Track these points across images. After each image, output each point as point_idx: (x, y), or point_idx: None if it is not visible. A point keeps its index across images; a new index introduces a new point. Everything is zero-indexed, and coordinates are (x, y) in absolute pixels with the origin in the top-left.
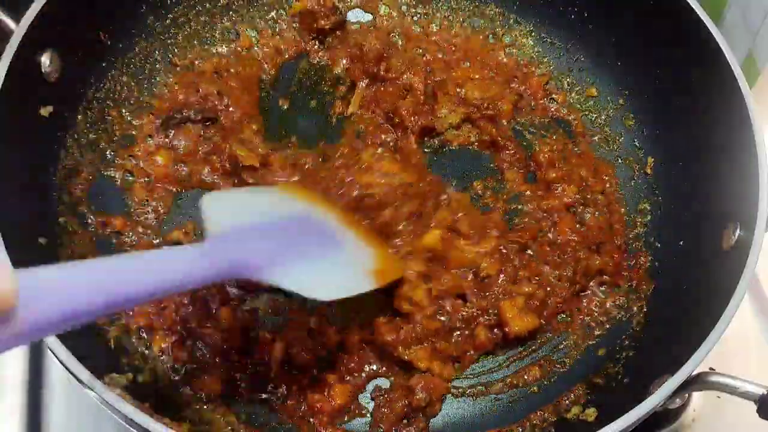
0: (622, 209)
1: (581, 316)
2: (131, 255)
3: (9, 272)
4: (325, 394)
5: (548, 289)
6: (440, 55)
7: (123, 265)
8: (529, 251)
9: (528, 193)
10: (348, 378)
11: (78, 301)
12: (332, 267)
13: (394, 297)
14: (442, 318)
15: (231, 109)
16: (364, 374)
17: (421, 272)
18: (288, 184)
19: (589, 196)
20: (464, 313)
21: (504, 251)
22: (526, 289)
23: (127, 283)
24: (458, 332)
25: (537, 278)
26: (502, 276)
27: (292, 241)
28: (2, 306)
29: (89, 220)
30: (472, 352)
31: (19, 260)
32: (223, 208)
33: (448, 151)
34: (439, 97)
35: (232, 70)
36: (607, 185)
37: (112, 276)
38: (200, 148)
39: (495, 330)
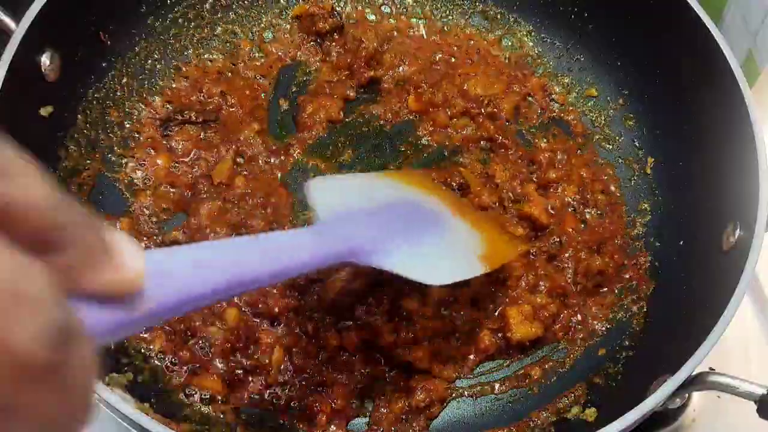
0: (623, 209)
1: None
2: (246, 238)
3: (136, 250)
4: (325, 395)
5: (563, 301)
6: (440, 55)
7: (240, 247)
8: (557, 262)
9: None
10: (348, 379)
11: (201, 283)
12: (442, 251)
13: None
14: (444, 317)
15: (233, 109)
16: (364, 374)
17: None
18: (397, 172)
19: (589, 196)
20: (467, 316)
21: (531, 258)
22: (539, 300)
23: (245, 265)
24: (459, 335)
25: (558, 292)
26: (522, 283)
27: (401, 225)
28: (129, 289)
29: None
30: (473, 356)
31: None
32: (331, 193)
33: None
34: (443, 87)
35: (234, 71)
36: (609, 185)
37: (231, 258)
38: (201, 149)
39: (499, 335)
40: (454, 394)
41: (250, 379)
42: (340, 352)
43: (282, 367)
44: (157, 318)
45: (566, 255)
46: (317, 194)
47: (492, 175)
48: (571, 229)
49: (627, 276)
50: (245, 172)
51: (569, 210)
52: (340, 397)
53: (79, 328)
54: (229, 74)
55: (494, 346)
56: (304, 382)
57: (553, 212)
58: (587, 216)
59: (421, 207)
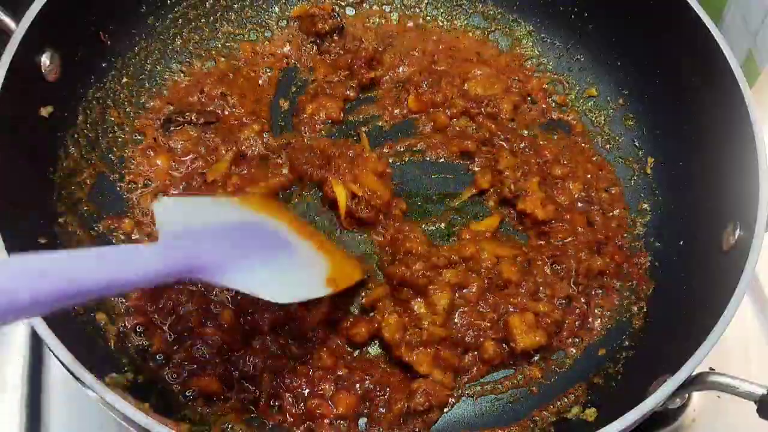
0: (623, 209)
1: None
2: (90, 250)
3: None
4: (326, 399)
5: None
6: (440, 55)
7: (83, 258)
8: (558, 267)
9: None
10: (349, 383)
11: (45, 287)
12: (287, 271)
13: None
14: (451, 326)
15: (233, 110)
16: (365, 377)
17: (455, 282)
18: (246, 196)
19: (594, 194)
20: (473, 325)
21: (528, 264)
22: (541, 308)
23: (87, 275)
24: (465, 347)
25: (559, 299)
26: (522, 289)
27: (247, 244)
28: None
29: (95, 224)
30: (478, 367)
31: None
32: (177, 212)
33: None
34: (443, 87)
35: (234, 72)
36: (611, 184)
37: (72, 268)
38: (201, 148)
39: (503, 345)
40: (454, 399)
41: (249, 380)
42: (336, 366)
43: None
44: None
45: (567, 254)
46: (162, 213)
47: (496, 162)
48: (580, 228)
49: (627, 276)
50: (244, 172)
51: (578, 206)
52: (341, 405)
53: None
54: (230, 75)
55: (499, 357)
56: (303, 389)
57: (561, 211)
58: (594, 216)
59: (268, 229)
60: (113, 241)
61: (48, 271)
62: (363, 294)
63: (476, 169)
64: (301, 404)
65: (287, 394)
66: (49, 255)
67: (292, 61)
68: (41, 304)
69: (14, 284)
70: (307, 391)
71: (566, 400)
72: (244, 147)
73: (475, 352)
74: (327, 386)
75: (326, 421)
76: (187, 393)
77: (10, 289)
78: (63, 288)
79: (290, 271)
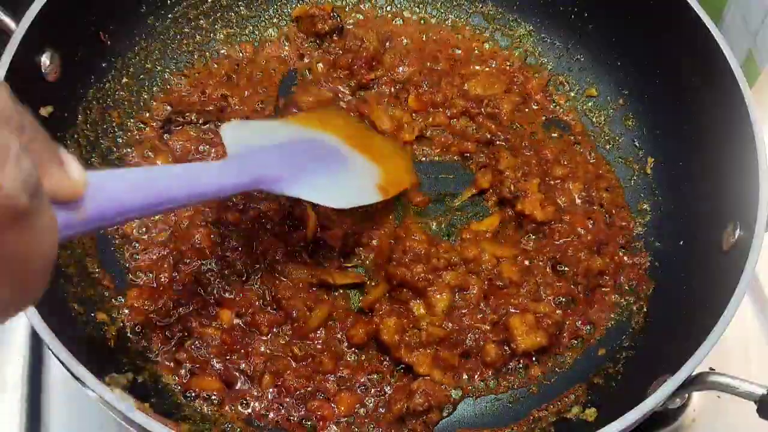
0: (623, 209)
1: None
2: (168, 167)
3: (79, 166)
4: (328, 403)
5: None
6: (440, 55)
7: (164, 173)
8: (560, 267)
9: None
10: (350, 383)
11: (128, 198)
12: (343, 180)
13: (412, 297)
14: (450, 326)
15: (234, 110)
16: (365, 378)
17: (455, 284)
18: (299, 116)
19: (594, 194)
20: (473, 328)
21: (528, 264)
22: (542, 308)
23: (167, 188)
24: (466, 352)
25: (560, 299)
26: (523, 289)
27: (305, 158)
28: (74, 194)
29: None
30: (480, 371)
31: None
32: (241, 134)
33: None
34: (443, 87)
35: (234, 71)
36: (611, 184)
37: (155, 181)
38: (201, 148)
39: (504, 347)
40: (455, 400)
41: (249, 381)
42: (337, 367)
43: (271, 391)
44: (94, 224)
45: (567, 254)
46: (229, 135)
47: (497, 162)
48: (580, 229)
49: (627, 276)
50: None
51: (578, 206)
52: (343, 405)
53: (43, 192)
54: (231, 75)
55: (501, 359)
56: (299, 399)
57: (560, 212)
58: (594, 216)
59: (322, 143)
60: (115, 242)
61: (141, 184)
62: (360, 298)
63: (476, 169)
64: (302, 406)
65: (288, 396)
66: (140, 170)
67: (293, 61)
68: (135, 210)
69: (118, 194)
70: (309, 391)
71: (566, 400)
72: None
73: (477, 356)
74: (329, 387)
75: (327, 422)
76: (187, 393)
77: (115, 198)
78: (153, 197)
79: (345, 180)
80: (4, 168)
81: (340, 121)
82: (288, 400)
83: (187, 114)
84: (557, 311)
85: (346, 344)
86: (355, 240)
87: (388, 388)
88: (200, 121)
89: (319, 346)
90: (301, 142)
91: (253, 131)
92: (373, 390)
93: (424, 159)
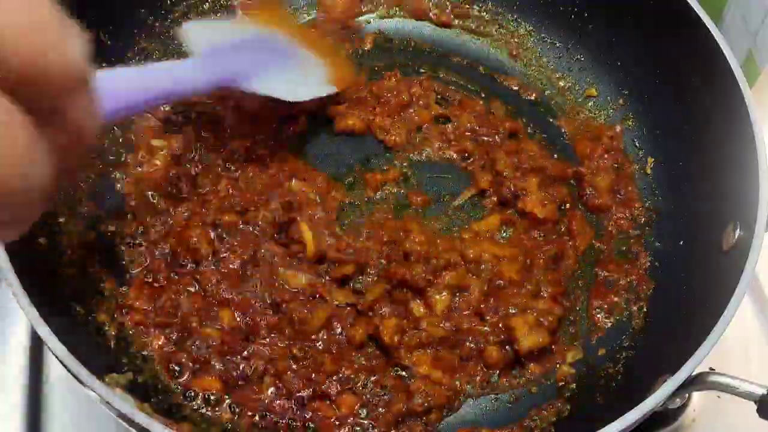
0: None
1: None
2: (150, 66)
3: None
4: (329, 403)
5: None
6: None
7: (146, 71)
8: (557, 266)
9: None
10: (353, 384)
11: (122, 91)
12: (300, 74)
13: (411, 300)
14: (450, 327)
15: (235, 110)
16: (364, 377)
17: (455, 284)
18: (256, 14)
19: (591, 191)
20: (474, 330)
21: (529, 263)
22: (541, 305)
23: (151, 85)
24: (468, 355)
25: (561, 297)
26: (524, 289)
27: (265, 54)
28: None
29: (95, 224)
30: (482, 372)
31: (20, 260)
32: (202, 34)
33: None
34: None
35: None
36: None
37: (140, 80)
38: (199, 150)
39: (506, 347)
40: (456, 401)
41: (249, 381)
42: (339, 370)
43: (273, 391)
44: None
45: (567, 254)
46: (189, 36)
47: (494, 162)
48: (580, 228)
49: (627, 276)
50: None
51: (578, 208)
52: (344, 406)
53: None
54: None
55: (503, 360)
56: (300, 401)
57: (559, 210)
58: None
59: (279, 40)
60: (114, 242)
61: (132, 81)
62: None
63: (476, 169)
64: (303, 407)
65: (289, 397)
66: (130, 69)
67: None
68: (130, 107)
69: (114, 90)
70: (311, 392)
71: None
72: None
73: (479, 357)
74: (331, 386)
75: (329, 421)
76: (187, 393)
77: (108, 95)
78: (138, 93)
79: (301, 73)
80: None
81: (286, 21)
82: (289, 401)
83: (187, 114)
84: (557, 308)
85: (346, 344)
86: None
87: (387, 389)
88: (200, 121)
89: (320, 347)
90: (259, 39)
91: (212, 31)
92: (373, 390)
93: (423, 159)
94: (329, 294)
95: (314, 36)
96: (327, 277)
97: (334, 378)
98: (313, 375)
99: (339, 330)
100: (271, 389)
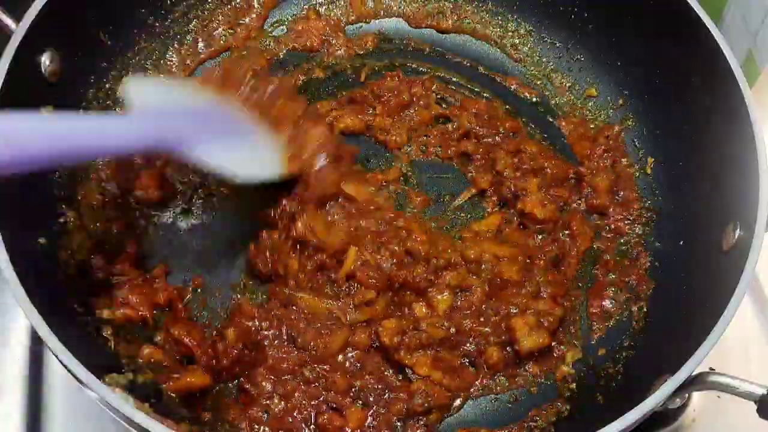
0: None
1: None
2: (68, 115)
3: None
4: (339, 413)
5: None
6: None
7: (65, 122)
8: (557, 266)
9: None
10: (360, 396)
11: (28, 146)
12: (249, 149)
13: (413, 301)
14: (450, 328)
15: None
16: (370, 382)
17: (456, 285)
18: (207, 80)
19: (588, 190)
20: (474, 331)
21: (529, 263)
22: (542, 306)
23: (70, 138)
24: (468, 356)
25: (561, 297)
26: (524, 289)
27: (212, 122)
28: None
29: (95, 224)
30: (483, 375)
31: (20, 260)
32: (147, 91)
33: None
34: None
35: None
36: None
37: (57, 129)
38: None
39: (507, 348)
40: (456, 402)
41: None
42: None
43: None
44: None
45: (567, 254)
46: (133, 91)
47: (494, 162)
48: (579, 228)
49: (627, 276)
50: None
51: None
52: (353, 419)
53: None
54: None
55: (503, 361)
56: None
57: (558, 211)
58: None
59: (230, 111)
60: (114, 241)
61: (39, 129)
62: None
63: (475, 169)
64: (312, 425)
65: (297, 414)
66: (41, 117)
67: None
68: (28, 162)
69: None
70: (318, 407)
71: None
72: None
73: (480, 359)
74: (342, 400)
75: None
76: (188, 393)
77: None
78: (54, 146)
79: (254, 148)
80: None
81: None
82: (297, 415)
83: None
84: (557, 308)
85: (352, 356)
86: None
87: (389, 392)
88: None
89: (328, 367)
90: (207, 106)
91: (159, 89)
92: (376, 394)
93: (423, 159)
94: (344, 315)
95: (281, 106)
96: (351, 304)
97: (346, 395)
98: (323, 392)
99: (352, 354)
100: (279, 406)
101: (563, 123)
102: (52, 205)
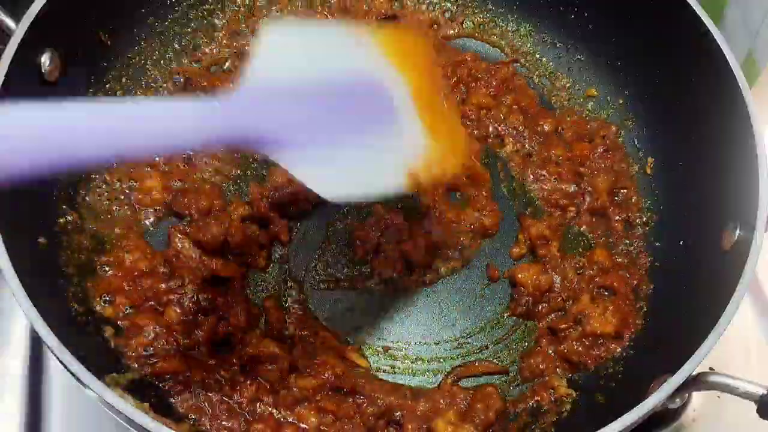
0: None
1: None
2: (133, 102)
3: None
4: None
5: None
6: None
7: (124, 109)
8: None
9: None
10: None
11: (70, 140)
12: (364, 159)
13: None
14: None
15: None
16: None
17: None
18: (381, 30)
19: (589, 188)
20: None
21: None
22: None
23: (128, 129)
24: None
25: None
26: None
27: (333, 115)
28: None
29: (95, 224)
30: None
31: (20, 260)
32: (279, 49)
33: None
34: None
35: (236, 71)
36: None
37: (104, 123)
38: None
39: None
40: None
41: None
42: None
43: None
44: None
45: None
46: (262, 47)
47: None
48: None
49: (627, 276)
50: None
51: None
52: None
53: None
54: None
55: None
56: None
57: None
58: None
59: (371, 92)
60: (114, 241)
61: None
62: None
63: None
64: None
65: None
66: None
67: None
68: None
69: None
70: None
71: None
72: None
73: None
74: None
75: None
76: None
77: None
78: (111, 139)
79: (370, 156)
80: None
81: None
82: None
83: None
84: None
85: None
86: None
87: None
88: None
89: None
90: (346, 84)
91: (297, 46)
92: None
93: None
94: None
95: (437, 100)
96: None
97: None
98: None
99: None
100: None
101: (563, 123)
102: (52, 205)
